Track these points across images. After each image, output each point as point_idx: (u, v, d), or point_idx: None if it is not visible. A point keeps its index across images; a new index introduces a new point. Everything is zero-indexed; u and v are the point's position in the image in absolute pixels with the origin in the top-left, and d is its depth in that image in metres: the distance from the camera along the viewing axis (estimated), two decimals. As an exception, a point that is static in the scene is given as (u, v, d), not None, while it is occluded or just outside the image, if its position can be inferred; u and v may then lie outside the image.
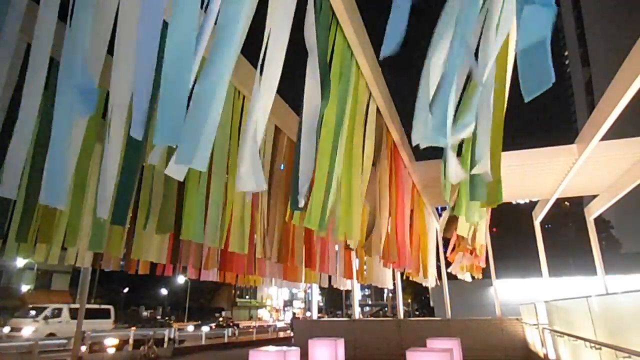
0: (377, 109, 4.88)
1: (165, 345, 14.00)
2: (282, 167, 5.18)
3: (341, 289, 12.45)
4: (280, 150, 5.22)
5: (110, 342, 13.02)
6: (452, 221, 7.42)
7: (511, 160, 7.15)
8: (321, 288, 33.97)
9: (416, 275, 8.65)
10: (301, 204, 2.47)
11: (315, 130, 2.53)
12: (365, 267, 9.86)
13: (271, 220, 4.95)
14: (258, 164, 1.89)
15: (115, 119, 2.04)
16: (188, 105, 1.58)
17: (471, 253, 9.68)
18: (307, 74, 2.58)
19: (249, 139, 1.94)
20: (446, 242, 10.51)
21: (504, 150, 2.85)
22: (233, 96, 4.01)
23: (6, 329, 17.58)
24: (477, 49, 1.95)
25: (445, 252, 11.45)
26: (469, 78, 2.36)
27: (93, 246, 3.63)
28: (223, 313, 44.61)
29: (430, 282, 11.10)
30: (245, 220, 4.10)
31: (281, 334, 24.71)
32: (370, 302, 61.61)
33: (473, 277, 12.48)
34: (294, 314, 52.22)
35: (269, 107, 2.15)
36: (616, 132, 5.67)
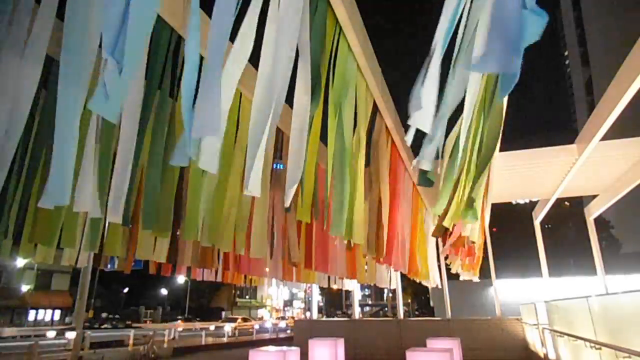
0: (377, 109, 4.88)
1: None
2: (282, 167, 5.18)
3: (342, 289, 12.45)
4: (281, 150, 5.23)
5: None
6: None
7: (511, 160, 7.15)
8: (321, 288, 33.95)
9: (417, 276, 8.64)
10: (287, 204, 2.48)
11: (305, 133, 2.54)
12: (366, 267, 9.86)
13: (275, 221, 4.96)
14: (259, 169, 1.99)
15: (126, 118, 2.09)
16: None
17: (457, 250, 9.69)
18: (297, 75, 2.59)
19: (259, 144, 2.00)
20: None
21: (504, 150, 2.87)
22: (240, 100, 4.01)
23: None
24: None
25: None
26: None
27: (89, 246, 3.64)
28: (223, 313, 44.64)
29: (433, 282, 11.09)
30: (263, 224, 4.13)
31: (209, 340, 18.49)
32: (370, 302, 61.62)
33: (479, 277, 12.48)
34: (292, 317, 47.54)
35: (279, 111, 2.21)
36: (616, 132, 5.67)
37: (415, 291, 41.15)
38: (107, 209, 2.46)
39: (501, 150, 6.39)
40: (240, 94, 4.01)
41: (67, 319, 32.25)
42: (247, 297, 51.78)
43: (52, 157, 1.70)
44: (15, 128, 2.04)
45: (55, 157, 1.70)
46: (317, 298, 22.12)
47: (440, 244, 11.84)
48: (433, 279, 10.58)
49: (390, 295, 45.74)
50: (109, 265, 5.89)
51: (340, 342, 6.92)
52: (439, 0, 1.96)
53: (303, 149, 2.50)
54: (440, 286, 11.95)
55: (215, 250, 5.09)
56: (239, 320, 31.75)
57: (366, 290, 62.61)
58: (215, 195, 3.73)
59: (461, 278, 12.50)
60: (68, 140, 1.72)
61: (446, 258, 10.82)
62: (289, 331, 26.96)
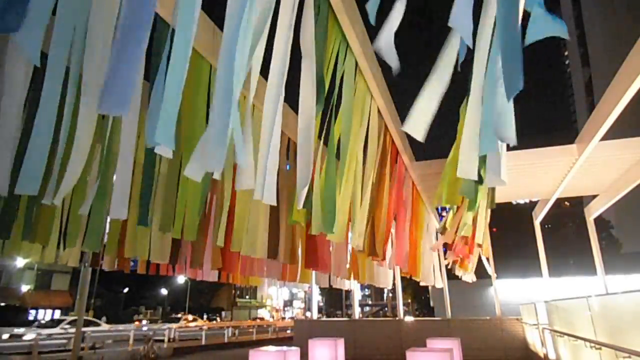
0: (377, 109, 4.88)
1: None
2: (288, 167, 5.18)
3: (343, 288, 12.44)
4: (282, 150, 5.23)
5: None
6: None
7: (511, 160, 7.15)
8: (321, 288, 33.88)
9: (415, 275, 8.66)
10: (299, 206, 2.50)
11: (312, 136, 2.55)
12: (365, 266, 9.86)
13: (275, 221, 4.94)
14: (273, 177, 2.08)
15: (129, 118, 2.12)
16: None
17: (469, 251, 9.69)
18: (302, 78, 2.60)
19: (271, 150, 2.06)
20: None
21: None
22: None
23: None
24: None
25: (445, 252, 11.44)
26: None
27: (90, 245, 3.64)
28: (223, 313, 44.63)
29: (435, 282, 11.09)
30: (254, 222, 4.13)
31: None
32: (370, 302, 61.61)
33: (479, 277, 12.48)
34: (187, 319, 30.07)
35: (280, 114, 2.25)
36: (616, 132, 5.67)
37: (415, 291, 41.13)
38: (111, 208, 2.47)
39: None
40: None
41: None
42: (247, 297, 51.76)
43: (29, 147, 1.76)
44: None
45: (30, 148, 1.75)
46: (317, 298, 21.93)
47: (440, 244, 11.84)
48: (431, 278, 10.58)
49: (390, 295, 45.75)
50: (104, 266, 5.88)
51: (340, 342, 6.91)
52: (439, 2, 1.97)
53: (311, 149, 2.51)
54: (438, 285, 11.95)
55: (216, 251, 5.09)
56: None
57: (366, 290, 62.60)
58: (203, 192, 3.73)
59: (461, 277, 12.50)
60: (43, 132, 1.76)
61: (448, 263, 10.84)
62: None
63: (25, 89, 2.21)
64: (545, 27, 1.52)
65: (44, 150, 1.83)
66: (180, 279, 37.96)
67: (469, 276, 12.22)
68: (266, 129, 2.20)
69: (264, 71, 2.39)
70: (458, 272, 11.68)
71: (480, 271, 12.97)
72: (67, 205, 3.65)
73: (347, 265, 7.35)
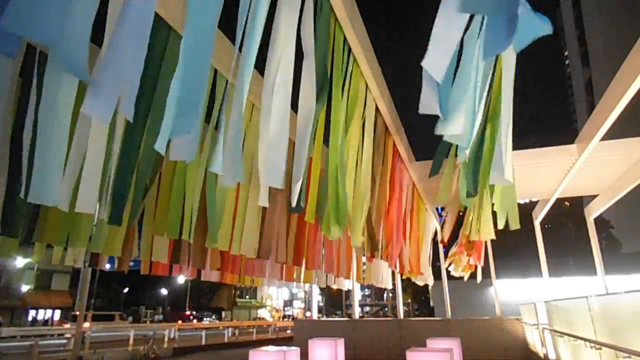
0: (378, 109, 4.88)
1: None
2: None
3: (343, 288, 12.45)
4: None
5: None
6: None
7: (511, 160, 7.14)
8: (321, 288, 33.80)
9: (411, 275, 8.67)
10: (293, 204, 2.51)
11: (309, 134, 2.56)
12: (364, 267, 9.85)
13: (274, 221, 4.95)
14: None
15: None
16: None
17: (469, 255, 9.71)
18: (302, 77, 2.60)
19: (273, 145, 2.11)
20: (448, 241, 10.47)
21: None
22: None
23: None
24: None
25: (445, 253, 11.44)
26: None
27: (92, 246, 3.64)
28: (223, 313, 44.63)
29: (428, 280, 11.10)
30: (252, 222, 4.13)
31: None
32: (370, 302, 61.62)
33: (473, 277, 12.45)
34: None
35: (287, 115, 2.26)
36: (616, 132, 5.67)
37: (415, 291, 41.09)
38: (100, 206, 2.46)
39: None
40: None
41: None
42: (247, 297, 51.78)
43: (37, 153, 1.70)
44: None
45: (41, 154, 1.70)
46: (317, 298, 21.84)
47: (440, 244, 11.84)
48: (427, 276, 10.58)
49: (390, 295, 45.72)
50: (107, 265, 5.89)
51: (340, 342, 6.92)
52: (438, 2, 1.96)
53: (306, 147, 2.52)
54: (431, 283, 11.94)
55: (215, 251, 5.09)
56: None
57: (366, 290, 62.60)
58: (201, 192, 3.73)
59: (454, 273, 12.49)
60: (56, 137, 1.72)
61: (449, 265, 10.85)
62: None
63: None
64: (531, 29, 1.54)
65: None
66: (180, 279, 37.95)
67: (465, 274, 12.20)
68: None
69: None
70: (458, 273, 11.67)
71: (481, 271, 12.96)
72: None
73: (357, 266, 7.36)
